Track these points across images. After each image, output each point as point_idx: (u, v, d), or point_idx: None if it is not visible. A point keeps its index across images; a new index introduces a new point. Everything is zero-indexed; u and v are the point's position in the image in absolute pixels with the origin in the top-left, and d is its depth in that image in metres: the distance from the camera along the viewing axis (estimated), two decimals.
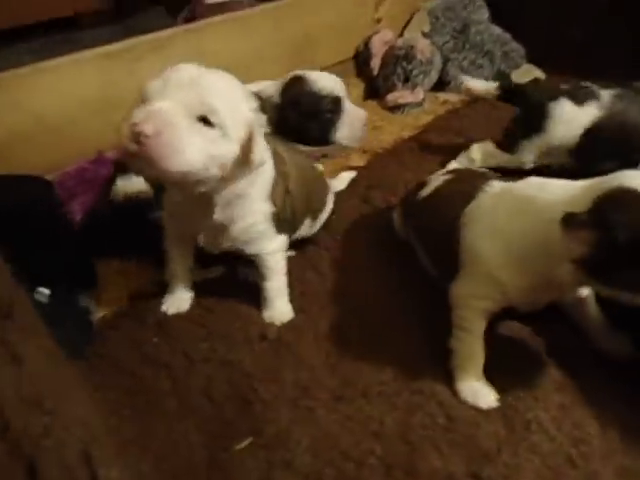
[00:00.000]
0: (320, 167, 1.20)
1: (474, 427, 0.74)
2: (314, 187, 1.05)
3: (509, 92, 1.33)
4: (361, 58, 1.78)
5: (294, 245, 1.10)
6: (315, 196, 1.05)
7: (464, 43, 1.82)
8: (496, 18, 1.88)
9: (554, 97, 1.20)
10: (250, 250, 0.90)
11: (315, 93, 1.13)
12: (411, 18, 1.91)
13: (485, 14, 1.87)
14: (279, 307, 0.95)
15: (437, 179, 1.01)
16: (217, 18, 1.46)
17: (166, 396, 0.82)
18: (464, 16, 1.84)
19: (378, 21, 1.79)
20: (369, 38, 1.75)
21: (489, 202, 0.82)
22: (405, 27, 1.91)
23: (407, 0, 1.90)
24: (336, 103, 1.15)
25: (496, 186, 0.85)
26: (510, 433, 0.73)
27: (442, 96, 1.78)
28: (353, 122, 1.18)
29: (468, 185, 0.89)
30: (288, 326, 0.93)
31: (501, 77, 1.38)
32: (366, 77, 1.80)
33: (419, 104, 1.71)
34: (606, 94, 1.18)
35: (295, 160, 0.98)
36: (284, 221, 0.92)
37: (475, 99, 1.73)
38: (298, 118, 1.14)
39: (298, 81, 1.16)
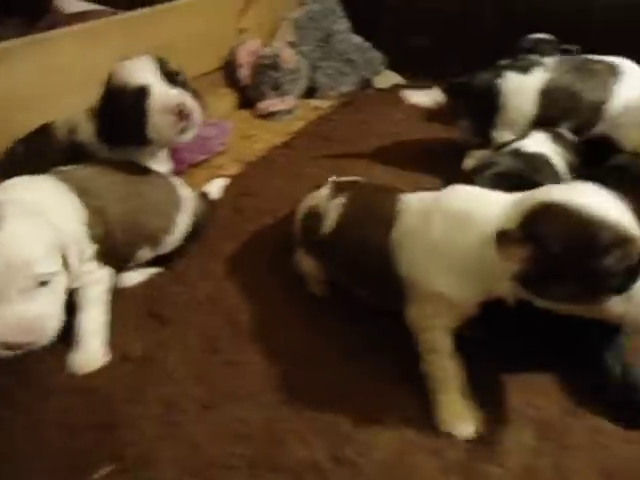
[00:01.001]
0: (175, 181, 1.09)
1: (335, 412, 0.78)
2: (145, 213, 0.99)
3: (455, 90, 1.36)
4: (230, 68, 1.80)
5: (159, 261, 1.07)
6: (151, 221, 0.99)
7: (329, 52, 1.91)
8: (356, 28, 1.99)
9: (499, 75, 1.26)
10: (75, 284, 0.85)
11: (118, 87, 0.97)
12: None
13: (345, 24, 1.98)
14: (92, 349, 0.86)
15: (332, 207, 0.91)
16: (66, 29, 1.39)
17: (18, 435, 0.76)
18: (326, 26, 1.93)
19: (242, 31, 1.81)
20: (235, 48, 1.77)
21: (416, 220, 0.78)
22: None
23: (272, 10, 1.94)
24: (140, 93, 0.95)
25: (413, 201, 0.82)
26: (365, 411, 0.78)
27: (313, 102, 1.86)
28: (164, 113, 0.97)
29: (378, 207, 0.86)
30: (153, 342, 0.91)
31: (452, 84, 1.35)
32: (237, 87, 1.81)
33: (290, 111, 1.76)
34: (550, 60, 1.27)
35: (119, 188, 0.96)
36: (107, 255, 0.91)
37: (345, 104, 1.84)
38: (109, 122, 1.00)
39: (108, 78, 1.00)
